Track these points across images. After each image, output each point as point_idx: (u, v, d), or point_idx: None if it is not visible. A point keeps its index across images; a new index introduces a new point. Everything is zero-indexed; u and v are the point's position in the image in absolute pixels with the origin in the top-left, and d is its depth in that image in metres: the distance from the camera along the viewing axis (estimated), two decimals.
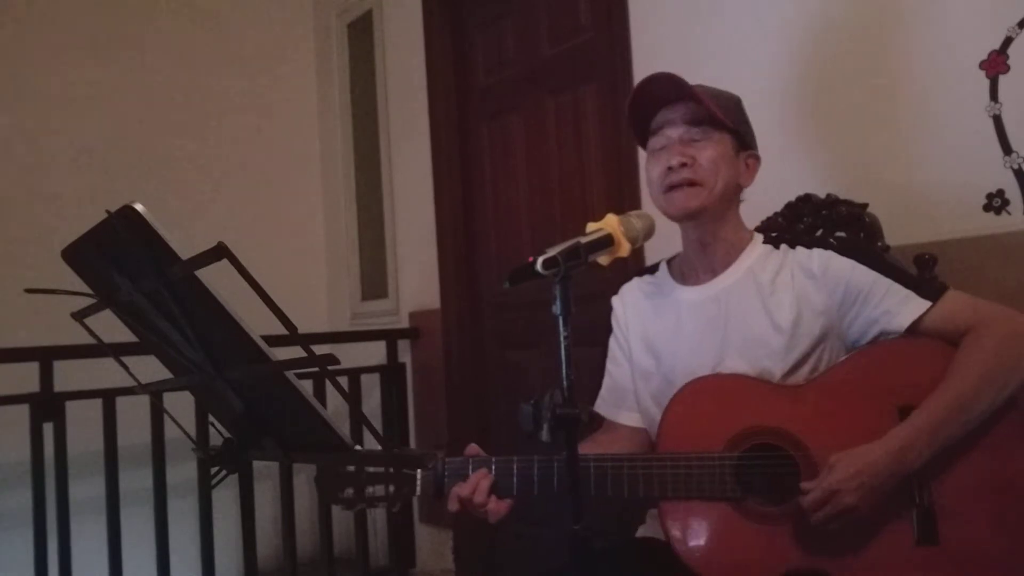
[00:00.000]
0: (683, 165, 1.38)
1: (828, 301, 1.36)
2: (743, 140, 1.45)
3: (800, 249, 1.41)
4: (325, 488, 1.37)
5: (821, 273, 1.37)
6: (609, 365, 1.58)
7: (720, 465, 1.30)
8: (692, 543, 1.30)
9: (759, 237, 1.48)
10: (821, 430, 1.28)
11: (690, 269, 1.50)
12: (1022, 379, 1.25)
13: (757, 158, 1.47)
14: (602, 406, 1.57)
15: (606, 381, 1.58)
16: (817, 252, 1.39)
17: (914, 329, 1.32)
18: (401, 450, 1.39)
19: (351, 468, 1.35)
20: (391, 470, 1.36)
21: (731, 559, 1.29)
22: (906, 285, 1.33)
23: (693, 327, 1.45)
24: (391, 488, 1.36)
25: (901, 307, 1.32)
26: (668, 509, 1.32)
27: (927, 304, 1.31)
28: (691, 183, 1.38)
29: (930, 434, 1.22)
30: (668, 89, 1.41)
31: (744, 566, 1.29)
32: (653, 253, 2.19)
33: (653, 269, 1.58)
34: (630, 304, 1.56)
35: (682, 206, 1.39)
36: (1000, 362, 1.25)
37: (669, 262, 1.56)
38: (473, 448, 1.42)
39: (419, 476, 1.37)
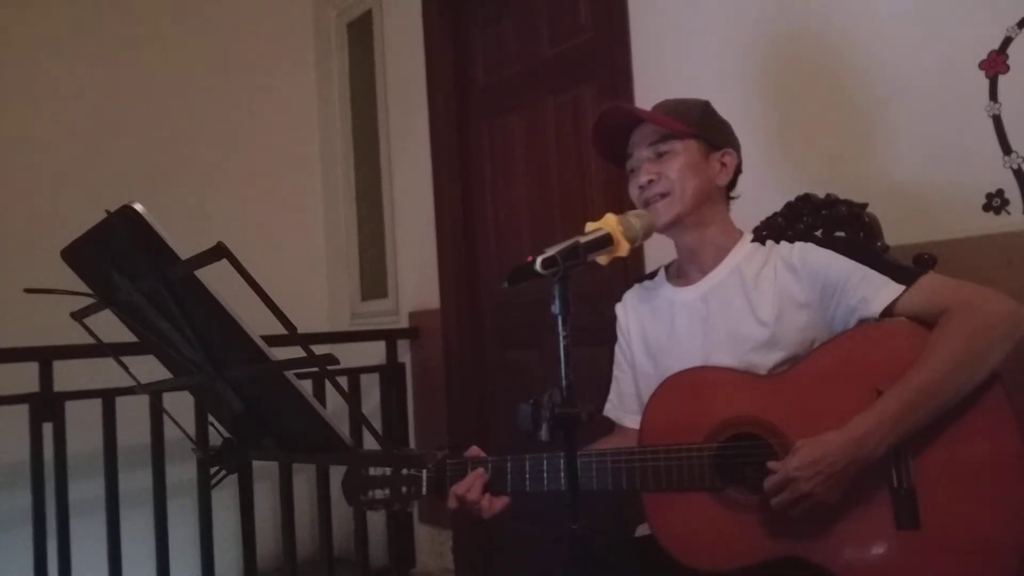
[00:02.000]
0: (651, 182, 1.46)
1: (810, 294, 1.38)
2: (711, 142, 1.48)
3: (783, 244, 1.44)
4: (351, 491, 1.44)
5: (801, 266, 1.39)
6: (615, 371, 1.62)
7: (699, 456, 1.32)
8: (674, 533, 1.33)
9: (748, 236, 1.51)
10: (800, 417, 1.28)
11: (684, 272, 1.55)
12: (993, 363, 1.23)
13: (733, 155, 1.51)
14: (611, 410, 1.62)
15: (613, 386, 1.62)
16: (798, 245, 1.42)
17: (889, 314, 1.31)
18: (400, 450, 1.40)
19: (374, 472, 1.43)
20: (406, 472, 1.43)
21: (713, 547, 1.31)
22: (884, 271, 1.33)
23: (684, 326, 1.48)
24: (404, 489, 1.43)
25: (876, 293, 1.32)
26: (651, 500, 1.36)
27: (901, 288, 1.30)
28: (662, 195, 1.45)
29: (893, 422, 1.20)
30: (625, 117, 1.50)
31: (725, 554, 1.30)
32: (652, 252, 2.20)
33: (653, 275, 1.63)
34: (631, 309, 1.61)
35: (657, 219, 1.45)
36: (970, 347, 1.22)
37: (667, 267, 1.61)
38: (474, 450, 1.47)
39: (424, 477, 1.43)
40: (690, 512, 1.33)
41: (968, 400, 1.23)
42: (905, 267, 1.37)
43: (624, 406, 1.59)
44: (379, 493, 1.43)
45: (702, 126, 1.48)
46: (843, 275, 1.35)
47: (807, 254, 1.39)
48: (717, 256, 1.49)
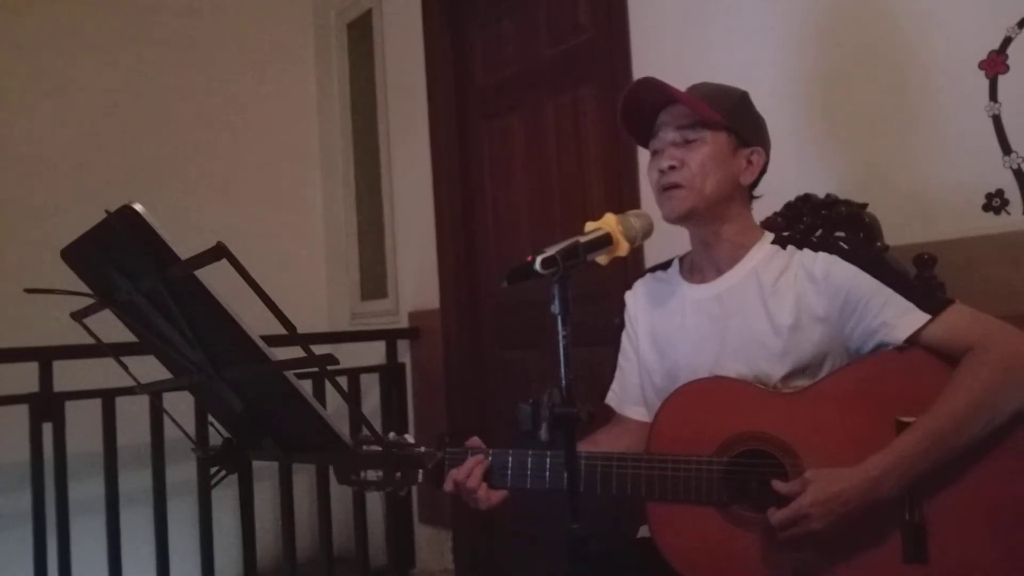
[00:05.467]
0: (672, 168, 1.40)
1: (829, 308, 1.33)
2: (743, 137, 1.43)
3: (807, 251, 1.38)
4: (342, 470, 1.43)
5: (823, 277, 1.34)
6: (620, 359, 1.59)
7: (709, 469, 1.30)
8: (677, 544, 1.32)
9: (768, 237, 1.46)
10: (813, 439, 1.26)
11: (698, 267, 1.50)
12: (1016, 407, 1.20)
13: (761, 153, 1.44)
14: (613, 399, 1.59)
15: (617, 375, 1.60)
16: (822, 256, 1.36)
17: (912, 342, 1.27)
18: (400, 451, 1.40)
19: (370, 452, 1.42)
20: (402, 452, 1.41)
21: (714, 563, 1.30)
22: (910, 296, 1.28)
23: (695, 325, 1.45)
24: (398, 475, 1.40)
25: (899, 319, 1.27)
26: (655, 510, 1.34)
27: (926, 317, 1.26)
28: (678, 185, 1.40)
29: (910, 464, 1.19)
30: (655, 93, 1.42)
31: (727, 570, 1.29)
32: (652, 252, 2.19)
33: (666, 265, 1.58)
34: (640, 299, 1.57)
35: (670, 210, 1.41)
36: (992, 390, 1.20)
37: (682, 259, 1.56)
38: (475, 440, 1.45)
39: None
40: (695, 525, 1.31)
41: (994, 441, 1.21)
42: (932, 294, 1.32)
43: (626, 396, 1.57)
44: (372, 474, 1.41)
45: (736, 118, 1.42)
46: (866, 294, 1.30)
47: (831, 266, 1.34)
48: (734, 255, 1.44)
